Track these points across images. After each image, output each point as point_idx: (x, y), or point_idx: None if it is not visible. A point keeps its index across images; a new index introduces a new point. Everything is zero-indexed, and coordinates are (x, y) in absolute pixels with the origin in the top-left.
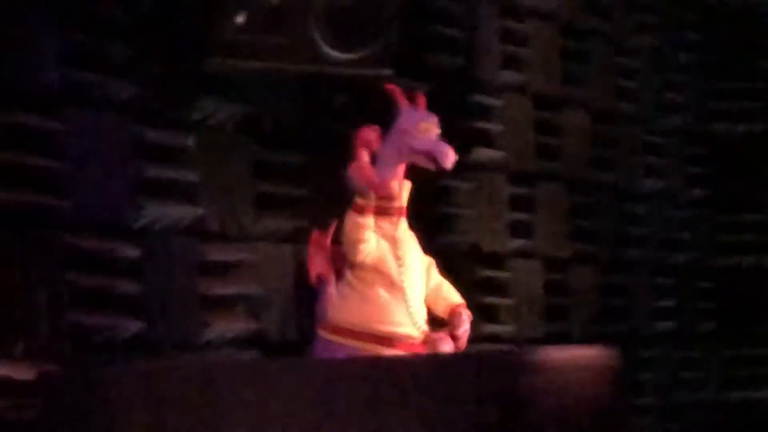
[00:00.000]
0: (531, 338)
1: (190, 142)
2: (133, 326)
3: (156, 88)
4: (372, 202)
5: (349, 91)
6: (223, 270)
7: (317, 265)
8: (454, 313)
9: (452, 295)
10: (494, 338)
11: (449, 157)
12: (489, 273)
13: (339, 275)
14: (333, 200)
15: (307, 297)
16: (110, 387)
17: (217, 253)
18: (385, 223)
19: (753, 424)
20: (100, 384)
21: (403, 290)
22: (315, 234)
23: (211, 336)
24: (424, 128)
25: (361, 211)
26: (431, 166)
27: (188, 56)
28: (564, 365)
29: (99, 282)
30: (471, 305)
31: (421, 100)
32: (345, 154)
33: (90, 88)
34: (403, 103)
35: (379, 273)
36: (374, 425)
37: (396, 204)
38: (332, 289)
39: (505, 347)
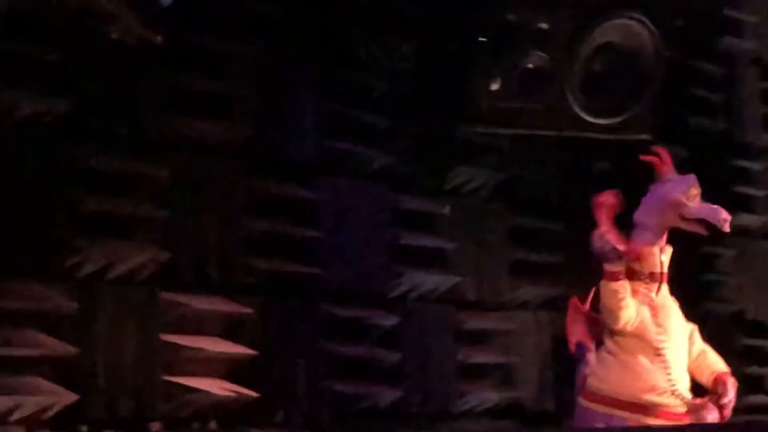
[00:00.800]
0: None
1: (446, 209)
2: (391, 395)
3: (411, 156)
4: (623, 267)
5: (607, 156)
6: (479, 338)
7: (576, 332)
8: (719, 381)
9: (717, 363)
10: (761, 409)
11: (727, 222)
12: (754, 342)
13: (598, 343)
14: (590, 267)
15: (564, 365)
16: None
17: (473, 321)
18: (645, 289)
19: None
20: None
21: (665, 357)
22: (573, 301)
23: (467, 405)
24: (694, 195)
25: (615, 277)
26: (701, 232)
27: (443, 124)
28: None
29: (356, 350)
30: (735, 374)
31: (667, 157)
32: None
33: (346, 157)
34: (663, 170)
35: (640, 340)
36: None
37: (656, 270)
38: (592, 356)
39: None
